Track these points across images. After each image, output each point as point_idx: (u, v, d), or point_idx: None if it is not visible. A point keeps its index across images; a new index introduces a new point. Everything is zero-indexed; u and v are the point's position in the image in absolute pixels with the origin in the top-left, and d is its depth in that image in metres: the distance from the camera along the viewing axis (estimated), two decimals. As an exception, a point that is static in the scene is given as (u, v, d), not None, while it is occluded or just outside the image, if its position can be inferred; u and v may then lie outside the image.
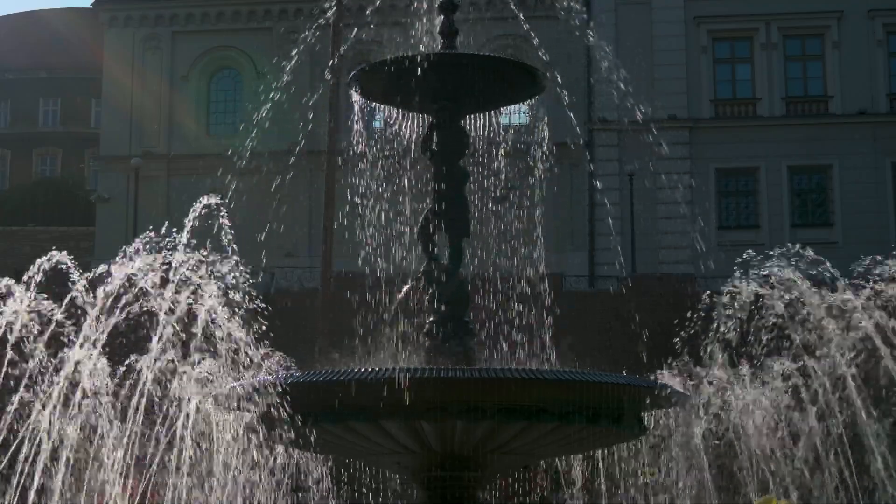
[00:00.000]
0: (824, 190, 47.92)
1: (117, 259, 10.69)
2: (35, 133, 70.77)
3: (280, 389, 9.99)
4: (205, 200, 11.22)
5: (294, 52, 16.36)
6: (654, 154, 36.94)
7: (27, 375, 10.53)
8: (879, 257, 12.66)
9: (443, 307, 11.77)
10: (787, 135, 47.50)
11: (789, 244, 13.08)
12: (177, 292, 10.49)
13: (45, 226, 52.55)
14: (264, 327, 10.91)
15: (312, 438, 10.57)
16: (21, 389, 10.50)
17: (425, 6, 12.66)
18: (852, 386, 12.12)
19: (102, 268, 10.68)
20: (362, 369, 10.23)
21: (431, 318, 11.78)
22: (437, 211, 12.11)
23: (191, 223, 10.90)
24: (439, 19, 12.58)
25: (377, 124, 13.60)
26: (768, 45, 48.82)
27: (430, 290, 11.85)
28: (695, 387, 13.13)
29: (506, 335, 12.65)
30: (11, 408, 10.43)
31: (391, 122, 13.02)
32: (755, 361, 13.05)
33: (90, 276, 10.66)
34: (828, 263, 12.84)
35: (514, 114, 13.55)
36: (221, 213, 11.22)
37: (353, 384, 9.86)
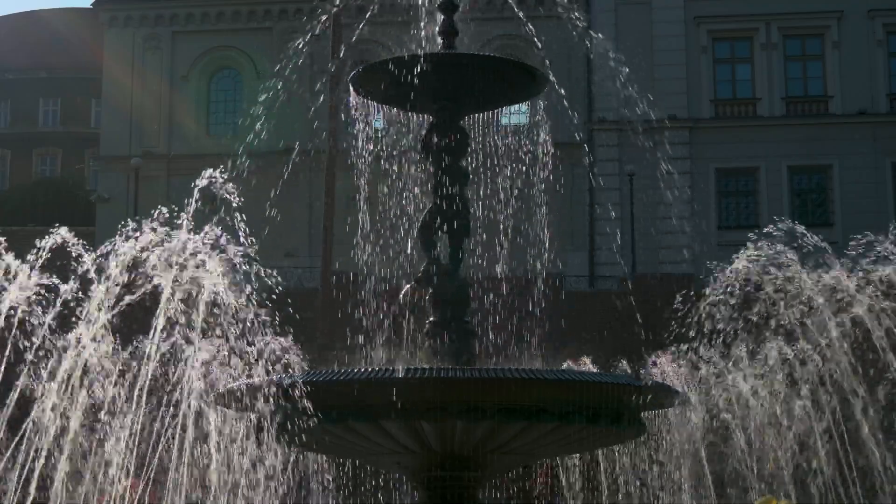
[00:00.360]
0: (824, 190, 47.95)
1: (119, 236, 10.59)
2: (35, 133, 70.77)
3: (279, 390, 9.98)
4: (208, 174, 11.11)
5: (294, 53, 16.37)
6: (653, 154, 36.97)
7: (32, 355, 10.45)
8: (871, 239, 12.68)
9: (443, 307, 11.78)
10: (787, 135, 47.52)
11: (788, 221, 13.07)
12: (181, 269, 10.36)
13: (45, 226, 52.45)
14: (282, 316, 10.78)
15: (312, 438, 10.57)
16: (25, 372, 10.42)
17: (426, 6, 12.65)
18: (845, 366, 12.12)
19: (112, 243, 10.57)
20: (362, 369, 10.23)
21: (431, 319, 11.79)
22: (437, 211, 12.11)
23: (195, 200, 10.81)
24: (440, 19, 12.58)
25: (377, 124, 13.60)
26: (768, 45, 48.83)
27: (431, 291, 11.85)
28: (690, 369, 13.15)
29: (505, 336, 12.65)
30: (14, 394, 10.36)
31: (391, 122, 13.03)
32: (749, 345, 13.04)
33: (97, 253, 10.55)
34: (825, 245, 12.85)
35: (515, 114, 13.55)
36: (227, 188, 11.13)
37: (353, 384, 9.86)
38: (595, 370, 15.74)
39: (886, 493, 12.08)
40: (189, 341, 10.40)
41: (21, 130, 70.28)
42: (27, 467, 9.96)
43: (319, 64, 41.36)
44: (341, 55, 32.14)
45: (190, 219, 10.62)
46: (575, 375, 11.48)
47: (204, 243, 10.46)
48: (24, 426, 10.13)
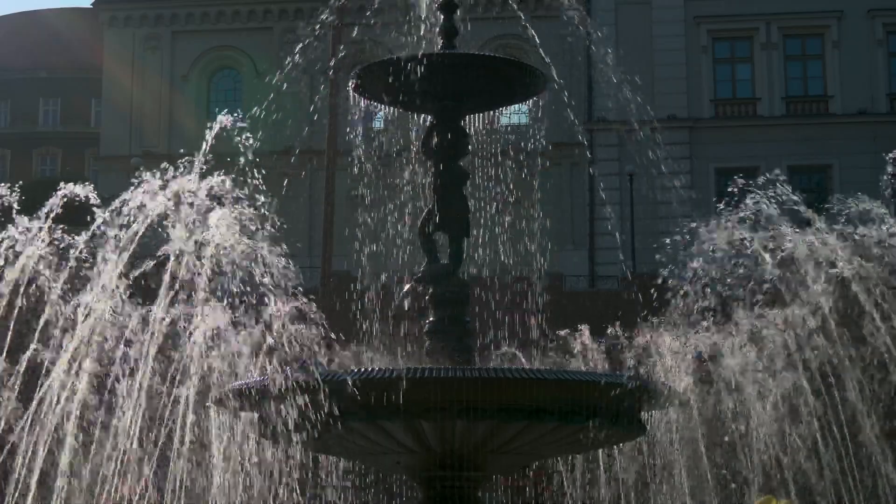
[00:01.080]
0: (824, 190, 47.92)
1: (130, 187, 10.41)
2: (35, 133, 70.77)
3: (279, 390, 9.97)
4: (222, 119, 10.94)
5: (294, 52, 16.38)
6: (654, 154, 36.97)
7: (41, 324, 10.28)
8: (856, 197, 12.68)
9: (443, 307, 11.78)
10: (787, 135, 47.51)
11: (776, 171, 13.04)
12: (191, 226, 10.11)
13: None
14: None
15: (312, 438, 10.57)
16: (34, 342, 10.26)
17: (426, 6, 12.66)
18: (833, 329, 12.09)
19: (124, 196, 10.39)
20: (362, 369, 10.23)
21: (431, 318, 11.79)
22: (436, 211, 12.11)
23: (208, 144, 10.66)
24: (440, 19, 12.59)
25: (377, 124, 13.60)
26: (768, 44, 48.83)
27: (430, 291, 11.86)
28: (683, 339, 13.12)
29: (505, 336, 12.65)
30: (24, 360, 10.20)
31: (391, 122, 13.04)
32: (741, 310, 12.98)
33: (111, 207, 10.34)
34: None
35: (515, 114, 13.55)
36: (242, 132, 11.00)
37: (353, 384, 9.86)
38: (591, 339, 15.66)
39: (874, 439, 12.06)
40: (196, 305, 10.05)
41: (21, 130, 70.27)
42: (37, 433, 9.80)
43: (319, 64, 41.36)
44: (341, 55, 32.12)
45: (203, 160, 10.45)
46: (575, 375, 11.48)
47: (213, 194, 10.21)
48: (37, 391, 9.96)
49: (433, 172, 12.28)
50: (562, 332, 14.75)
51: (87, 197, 10.70)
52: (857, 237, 12.27)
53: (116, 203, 10.32)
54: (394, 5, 12.85)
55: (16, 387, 10.29)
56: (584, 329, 14.99)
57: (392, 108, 12.92)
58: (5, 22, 76.64)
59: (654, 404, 11.31)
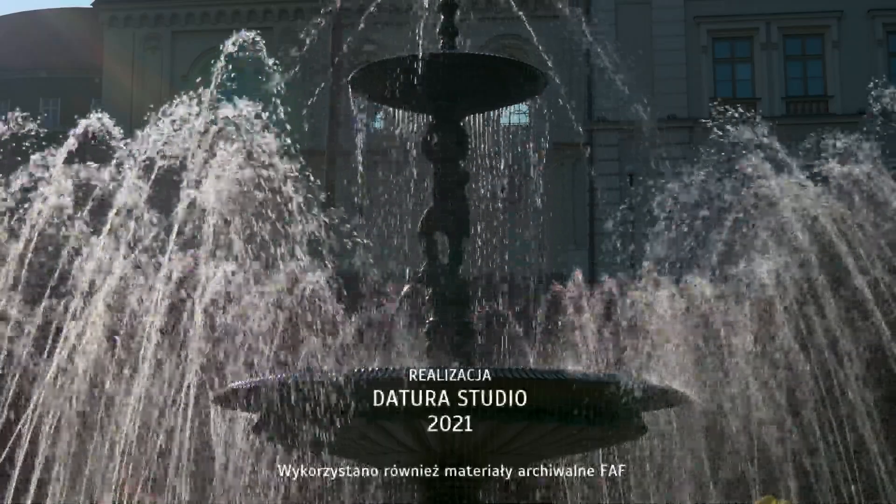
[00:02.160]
0: (824, 190, 47.92)
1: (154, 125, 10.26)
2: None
3: (279, 390, 9.96)
4: (239, 37, 10.77)
5: (294, 53, 16.39)
6: (654, 154, 36.98)
7: (55, 276, 10.20)
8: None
9: (443, 307, 11.77)
10: (787, 134, 47.46)
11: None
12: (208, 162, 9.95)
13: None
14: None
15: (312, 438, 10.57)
16: (48, 294, 10.16)
17: (426, 7, 12.65)
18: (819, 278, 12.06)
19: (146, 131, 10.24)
20: (362, 369, 10.22)
21: (431, 319, 11.78)
22: (436, 211, 12.10)
23: (220, 72, 10.57)
24: (440, 19, 12.58)
25: (377, 124, 13.60)
26: (768, 44, 48.82)
27: (431, 291, 11.85)
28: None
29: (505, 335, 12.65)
30: (37, 313, 10.13)
31: (391, 122, 13.03)
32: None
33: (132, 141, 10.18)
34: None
35: (515, 114, 13.55)
36: (250, 50, 10.89)
37: (353, 384, 9.85)
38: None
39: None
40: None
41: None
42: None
43: (319, 64, 41.36)
44: (341, 55, 32.11)
45: (215, 89, 10.38)
46: (575, 375, 11.47)
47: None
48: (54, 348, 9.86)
49: (433, 172, 12.28)
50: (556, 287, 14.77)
51: (104, 129, 10.56)
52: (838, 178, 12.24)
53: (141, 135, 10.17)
54: (395, 6, 12.85)
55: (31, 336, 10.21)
56: (578, 274, 15.00)
57: (392, 108, 12.92)
58: (5, 22, 76.59)
59: (656, 404, 11.30)
